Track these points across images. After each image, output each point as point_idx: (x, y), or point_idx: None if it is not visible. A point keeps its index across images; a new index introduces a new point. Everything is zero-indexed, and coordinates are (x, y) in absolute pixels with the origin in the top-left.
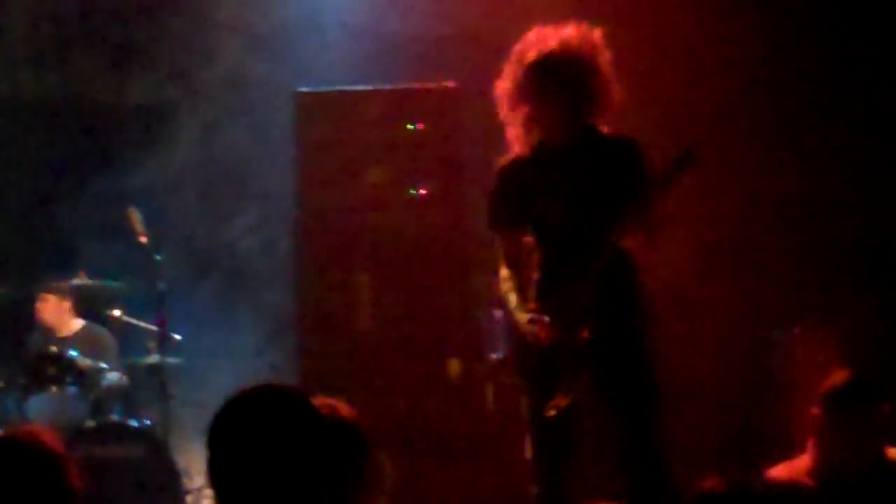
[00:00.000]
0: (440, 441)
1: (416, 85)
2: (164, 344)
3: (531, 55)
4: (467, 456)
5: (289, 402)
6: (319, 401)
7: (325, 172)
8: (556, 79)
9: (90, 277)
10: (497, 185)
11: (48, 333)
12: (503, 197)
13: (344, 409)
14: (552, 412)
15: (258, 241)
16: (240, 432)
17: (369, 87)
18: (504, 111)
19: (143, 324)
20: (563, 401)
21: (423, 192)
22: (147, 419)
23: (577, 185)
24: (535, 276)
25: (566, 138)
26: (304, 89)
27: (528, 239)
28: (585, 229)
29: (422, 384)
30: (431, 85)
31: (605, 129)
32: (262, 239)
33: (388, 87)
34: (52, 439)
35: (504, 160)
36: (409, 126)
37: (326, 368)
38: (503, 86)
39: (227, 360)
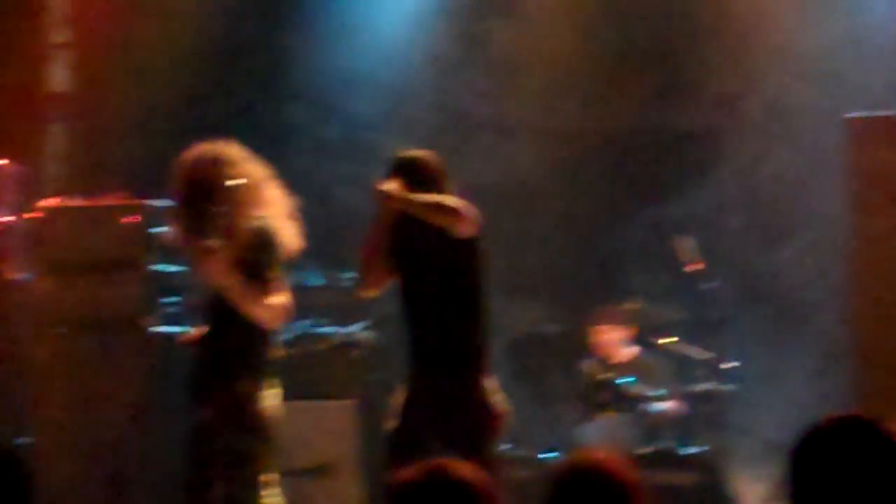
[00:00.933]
0: None
1: None
2: (717, 371)
3: None
4: None
5: (870, 433)
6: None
7: (879, 199)
8: None
9: (642, 304)
10: None
11: (602, 360)
12: None
13: None
14: None
15: (808, 269)
16: (825, 462)
17: None
18: None
19: (696, 351)
20: None
21: None
22: (701, 446)
23: None
24: None
25: None
26: (855, 114)
27: None
28: None
29: None
30: None
31: None
32: (813, 266)
33: None
34: (625, 465)
35: None
36: None
37: (881, 397)
38: None
39: (778, 387)
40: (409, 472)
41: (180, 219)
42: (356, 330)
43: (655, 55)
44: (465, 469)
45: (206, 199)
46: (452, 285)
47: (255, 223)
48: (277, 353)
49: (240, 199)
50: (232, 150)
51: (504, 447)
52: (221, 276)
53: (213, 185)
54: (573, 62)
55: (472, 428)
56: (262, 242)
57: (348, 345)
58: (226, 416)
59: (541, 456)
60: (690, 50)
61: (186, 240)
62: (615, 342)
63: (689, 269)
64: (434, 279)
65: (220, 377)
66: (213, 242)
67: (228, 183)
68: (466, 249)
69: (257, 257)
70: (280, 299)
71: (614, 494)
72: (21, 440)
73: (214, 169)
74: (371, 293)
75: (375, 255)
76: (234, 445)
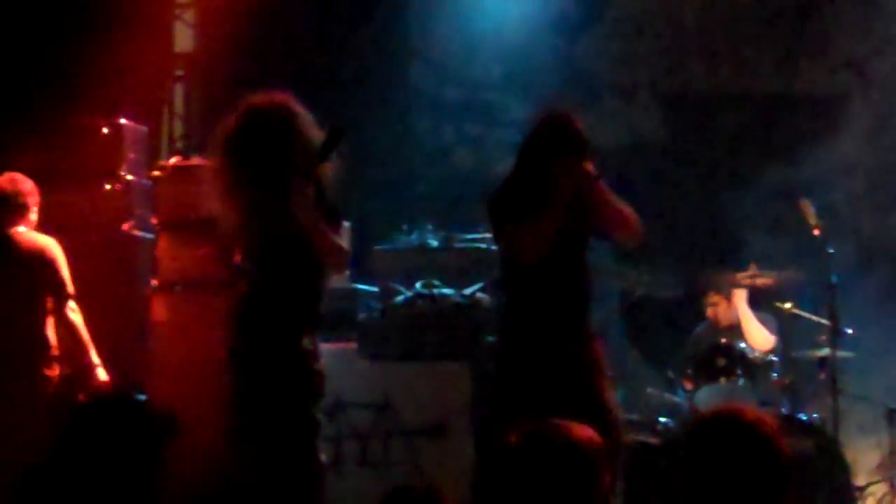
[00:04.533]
0: None
1: None
2: (834, 337)
3: None
4: None
5: None
6: None
7: None
8: None
9: (760, 268)
10: None
11: (719, 324)
12: None
13: None
14: None
15: None
16: None
17: None
18: None
19: (814, 317)
20: None
21: None
22: (815, 413)
23: None
24: None
25: None
26: None
27: None
28: None
29: None
30: None
31: None
32: None
33: None
34: (763, 418)
35: None
36: None
37: None
38: None
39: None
40: (514, 433)
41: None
42: (472, 291)
43: (782, 16)
44: (572, 429)
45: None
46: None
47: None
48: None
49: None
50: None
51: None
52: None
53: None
54: (699, 23)
55: (584, 384)
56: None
57: (464, 306)
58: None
59: (658, 420)
60: (818, 11)
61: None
62: (733, 306)
63: (811, 233)
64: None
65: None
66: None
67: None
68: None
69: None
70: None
71: (754, 444)
72: (140, 396)
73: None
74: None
75: (553, 229)
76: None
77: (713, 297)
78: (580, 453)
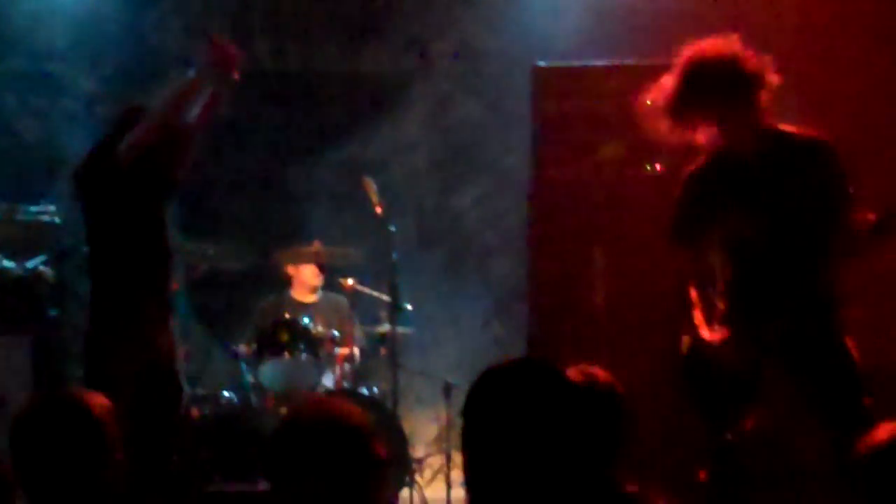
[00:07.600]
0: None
1: (654, 61)
2: (395, 313)
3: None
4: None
5: (546, 375)
6: (577, 368)
7: (561, 147)
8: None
9: (325, 245)
10: (683, 195)
11: (285, 299)
12: (689, 208)
13: (601, 374)
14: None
15: (487, 213)
16: (496, 403)
17: (607, 63)
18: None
19: (375, 293)
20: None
21: (658, 167)
22: (375, 387)
23: (770, 197)
24: (723, 296)
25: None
26: (541, 63)
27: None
28: (784, 248)
29: (654, 362)
30: (669, 60)
31: (791, 129)
32: (492, 211)
33: (626, 62)
34: (352, 410)
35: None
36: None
37: (554, 342)
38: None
39: (453, 330)
40: (30, 401)
41: None
42: (35, 265)
43: None
44: (83, 395)
45: None
46: None
47: None
48: None
49: None
50: None
51: (185, 386)
52: None
53: None
54: (266, 2)
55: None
56: None
57: (26, 279)
58: None
59: (223, 394)
60: None
61: None
62: (297, 282)
63: (374, 211)
64: None
65: None
66: None
67: None
68: None
69: None
70: None
71: (345, 438)
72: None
73: None
74: None
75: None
76: None
77: (286, 271)
78: (90, 417)
